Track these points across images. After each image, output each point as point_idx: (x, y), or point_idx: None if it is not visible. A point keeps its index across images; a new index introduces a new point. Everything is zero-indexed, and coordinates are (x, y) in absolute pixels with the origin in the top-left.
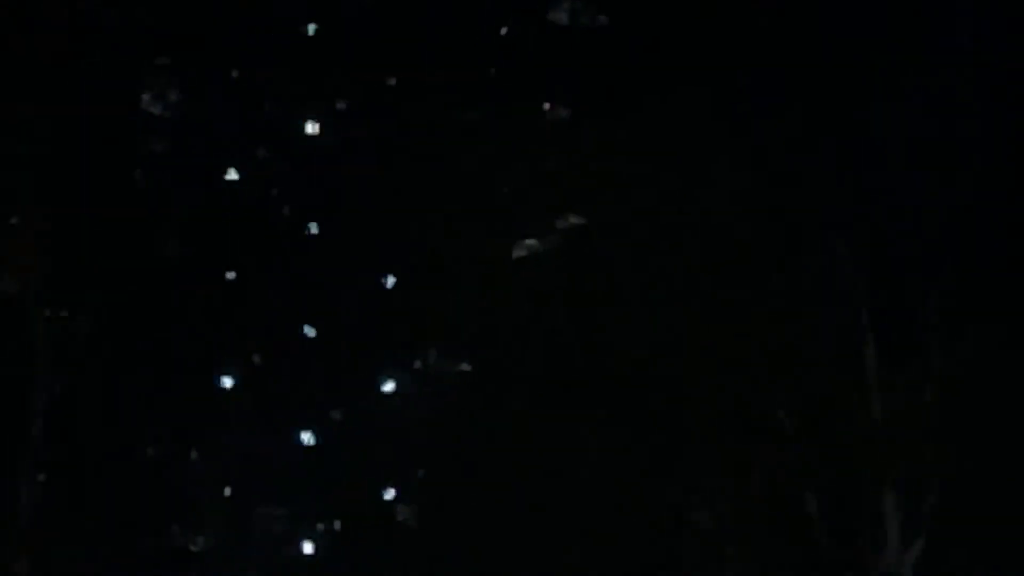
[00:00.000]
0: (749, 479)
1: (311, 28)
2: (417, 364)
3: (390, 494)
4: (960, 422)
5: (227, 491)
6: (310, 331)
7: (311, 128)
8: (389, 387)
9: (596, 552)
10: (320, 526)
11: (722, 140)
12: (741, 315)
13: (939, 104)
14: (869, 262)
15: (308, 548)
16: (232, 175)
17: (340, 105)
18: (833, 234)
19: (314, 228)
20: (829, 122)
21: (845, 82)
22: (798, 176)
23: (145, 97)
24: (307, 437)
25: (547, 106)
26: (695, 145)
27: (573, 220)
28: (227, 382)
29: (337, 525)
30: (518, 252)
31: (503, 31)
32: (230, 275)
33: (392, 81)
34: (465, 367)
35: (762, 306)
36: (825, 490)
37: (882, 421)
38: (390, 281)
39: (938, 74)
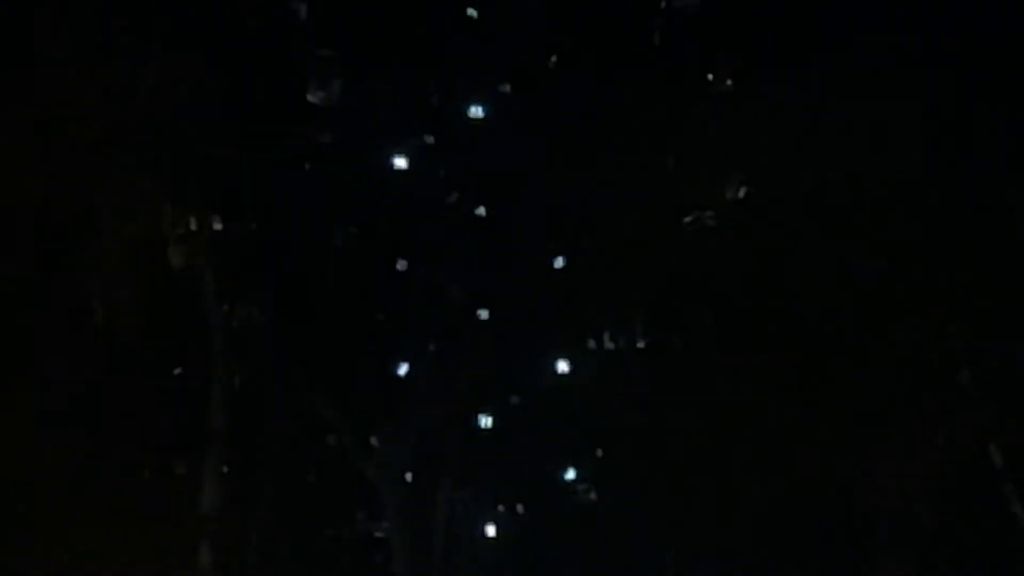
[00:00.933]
0: (934, 436)
1: (472, 12)
2: (591, 344)
3: (570, 474)
4: None
5: (408, 477)
6: (483, 315)
7: (475, 112)
8: (564, 367)
9: (778, 520)
10: (502, 508)
11: (891, 95)
12: (921, 273)
13: None
14: None
15: (491, 531)
16: (400, 163)
17: (503, 87)
18: (1014, 192)
19: (482, 211)
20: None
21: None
22: (972, 131)
23: (310, 88)
24: (485, 420)
25: (711, 76)
26: (862, 104)
27: (743, 190)
28: (403, 369)
29: (520, 508)
30: (689, 224)
31: (663, 3)
32: (401, 264)
33: (553, 59)
34: (640, 344)
35: (942, 264)
36: (1010, 445)
37: None
38: (559, 262)
39: None
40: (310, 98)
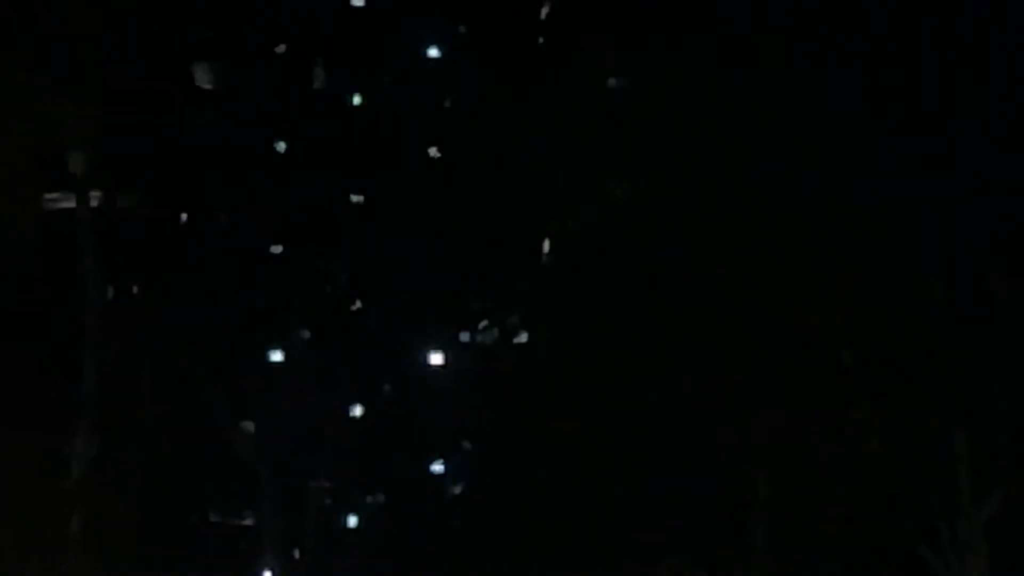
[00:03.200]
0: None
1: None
2: (464, 337)
3: (438, 467)
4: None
5: (279, 464)
6: (358, 304)
7: (357, 100)
8: (437, 360)
9: (650, 518)
10: (369, 499)
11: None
12: (809, 258)
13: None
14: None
15: (352, 521)
16: (280, 146)
17: (384, 77)
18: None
19: (360, 199)
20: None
21: None
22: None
23: (195, 70)
24: (356, 410)
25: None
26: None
27: (625, 190)
28: (276, 356)
29: (381, 498)
30: (571, 223)
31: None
32: (276, 248)
33: (434, 52)
34: (521, 339)
35: (827, 247)
36: (893, 433)
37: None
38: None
39: None
40: (196, 81)
